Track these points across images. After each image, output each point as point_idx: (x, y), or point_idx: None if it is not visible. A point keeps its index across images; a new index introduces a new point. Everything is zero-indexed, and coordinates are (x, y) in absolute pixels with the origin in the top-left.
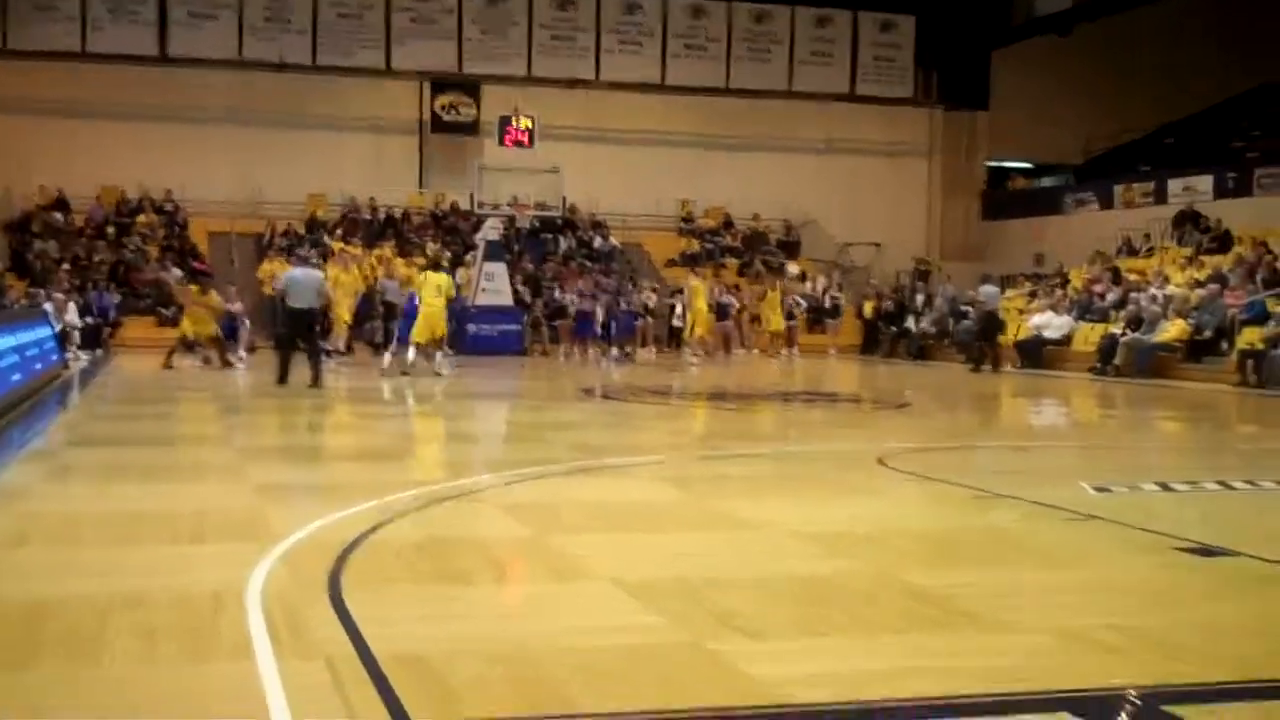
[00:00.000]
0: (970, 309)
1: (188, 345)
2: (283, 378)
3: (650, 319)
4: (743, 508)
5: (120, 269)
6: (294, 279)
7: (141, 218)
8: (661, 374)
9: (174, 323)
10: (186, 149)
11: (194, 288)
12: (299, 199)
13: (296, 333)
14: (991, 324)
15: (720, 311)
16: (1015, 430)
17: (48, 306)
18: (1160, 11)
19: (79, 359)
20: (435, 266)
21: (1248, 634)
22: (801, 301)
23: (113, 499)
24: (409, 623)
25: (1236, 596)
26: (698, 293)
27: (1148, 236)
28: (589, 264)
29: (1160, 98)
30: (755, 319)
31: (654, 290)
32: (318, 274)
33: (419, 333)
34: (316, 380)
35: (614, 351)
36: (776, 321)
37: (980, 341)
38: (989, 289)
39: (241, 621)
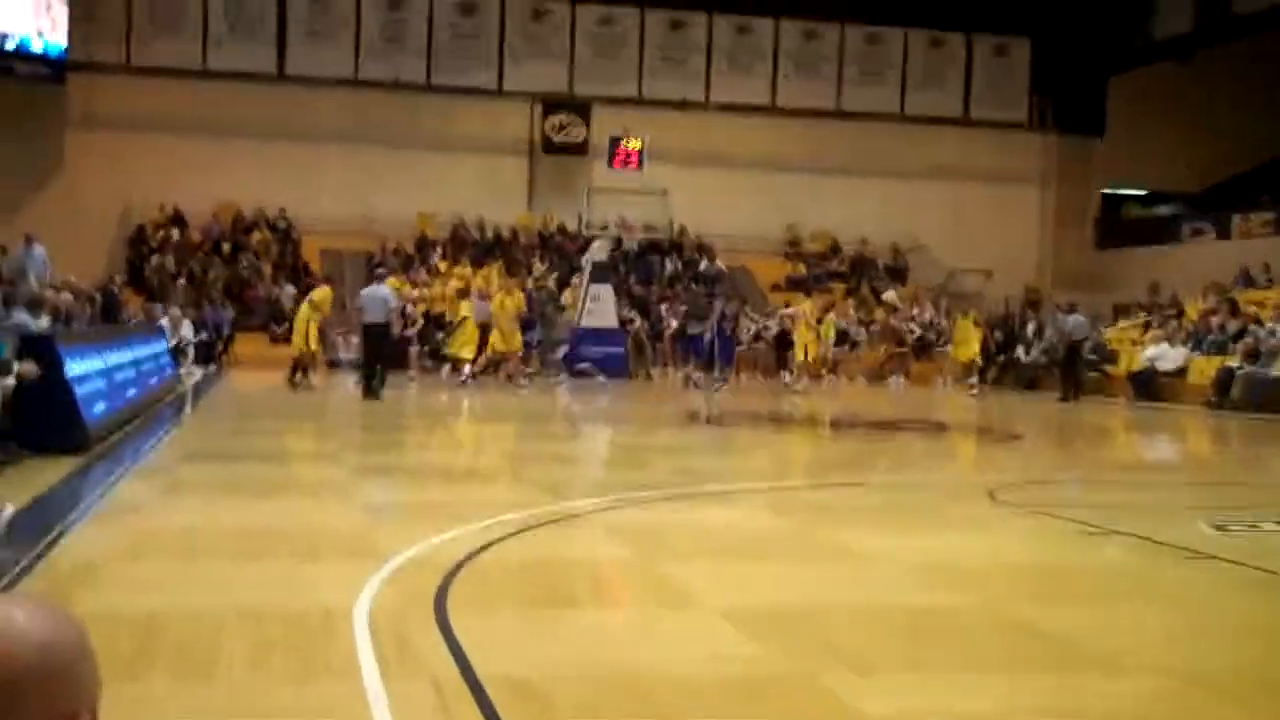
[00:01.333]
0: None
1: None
2: (366, 391)
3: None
4: (849, 538)
5: (235, 285)
6: (362, 295)
7: (256, 235)
8: (767, 400)
9: (286, 339)
10: (301, 167)
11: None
12: (409, 218)
13: (369, 347)
14: (1075, 355)
15: (838, 338)
16: (1129, 464)
17: (163, 321)
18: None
19: (193, 374)
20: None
21: None
22: (915, 329)
23: (225, 515)
24: (514, 645)
25: None
26: (805, 319)
27: (1267, 267)
28: (695, 286)
29: None
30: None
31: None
32: (384, 289)
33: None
34: (376, 392)
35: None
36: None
37: (1066, 371)
38: (1076, 319)
39: (350, 640)
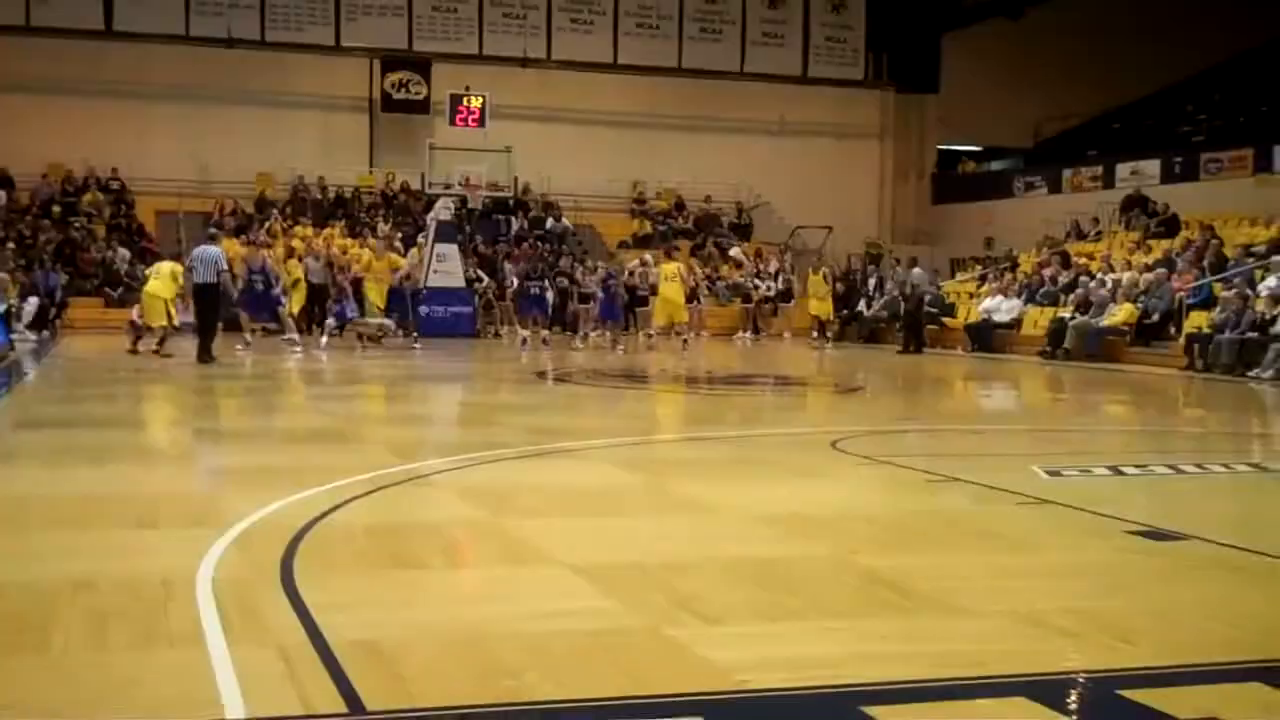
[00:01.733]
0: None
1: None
2: (202, 355)
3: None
4: (698, 491)
5: (67, 248)
6: (193, 255)
7: (88, 196)
8: (615, 357)
9: (121, 304)
10: (133, 126)
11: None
12: (248, 178)
13: (201, 308)
14: (918, 308)
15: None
16: (967, 414)
17: None
18: None
19: (26, 340)
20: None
21: (1201, 617)
22: (762, 285)
23: (62, 482)
24: (362, 609)
25: (1189, 580)
26: (666, 275)
27: (1096, 220)
28: (540, 244)
29: (1108, 82)
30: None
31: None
32: (215, 249)
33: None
34: (209, 354)
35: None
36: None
37: (909, 324)
38: (918, 272)
39: (193, 608)
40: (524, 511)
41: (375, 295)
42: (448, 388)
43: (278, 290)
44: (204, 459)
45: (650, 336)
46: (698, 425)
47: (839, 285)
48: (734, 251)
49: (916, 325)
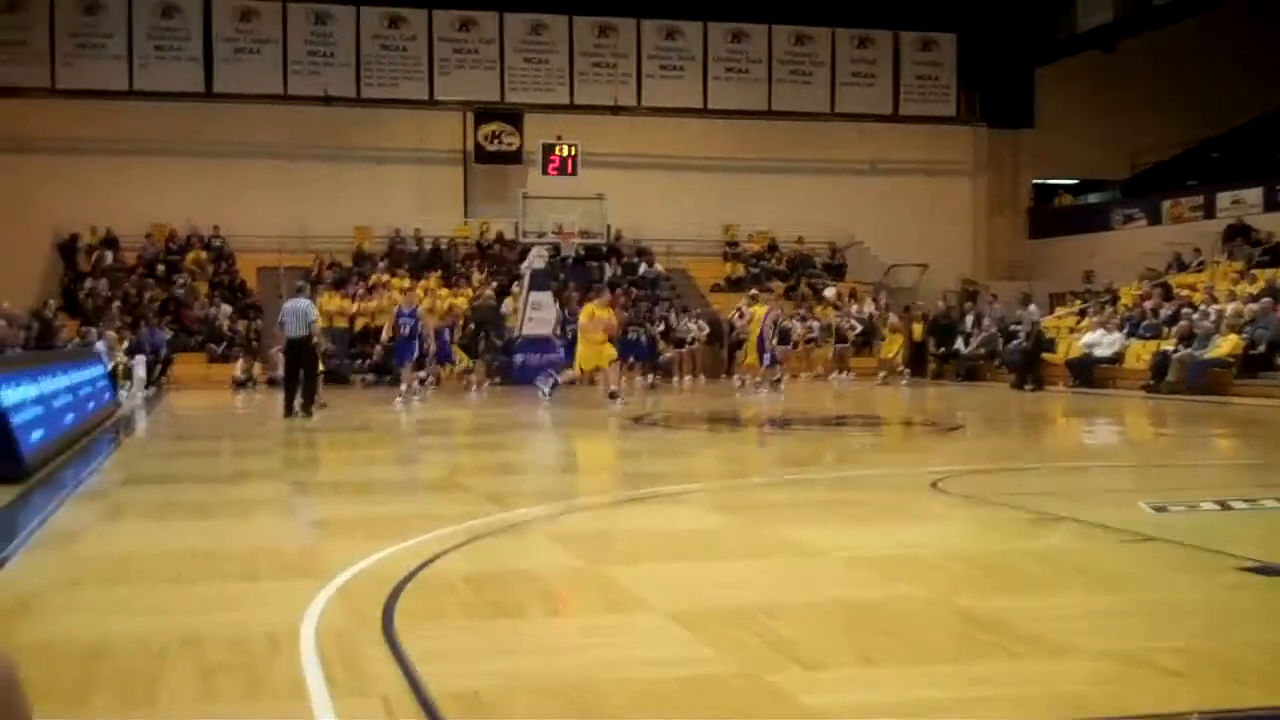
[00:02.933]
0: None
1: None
2: (288, 409)
3: (695, 346)
4: (796, 534)
5: (171, 306)
6: (284, 310)
7: (191, 254)
8: (711, 400)
9: (224, 359)
10: (233, 184)
11: None
12: (346, 232)
13: (290, 362)
14: (1036, 344)
15: (782, 337)
16: (1069, 450)
17: (100, 345)
18: (1202, 25)
19: (132, 397)
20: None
21: None
22: (857, 325)
23: (166, 537)
24: (464, 659)
25: None
26: (755, 319)
27: (1198, 251)
28: (635, 290)
29: (1205, 111)
30: (811, 341)
31: (698, 317)
32: (304, 303)
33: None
34: (306, 408)
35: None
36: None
37: (1029, 360)
38: (1035, 309)
39: (296, 660)
40: (621, 558)
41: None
42: (542, 435)
43: (429, 340)
44: (305, 511)
45: (741, 381)
46: (794, 467)
47: (915, 325)
48: (829, 292)
49: (1034, 362)
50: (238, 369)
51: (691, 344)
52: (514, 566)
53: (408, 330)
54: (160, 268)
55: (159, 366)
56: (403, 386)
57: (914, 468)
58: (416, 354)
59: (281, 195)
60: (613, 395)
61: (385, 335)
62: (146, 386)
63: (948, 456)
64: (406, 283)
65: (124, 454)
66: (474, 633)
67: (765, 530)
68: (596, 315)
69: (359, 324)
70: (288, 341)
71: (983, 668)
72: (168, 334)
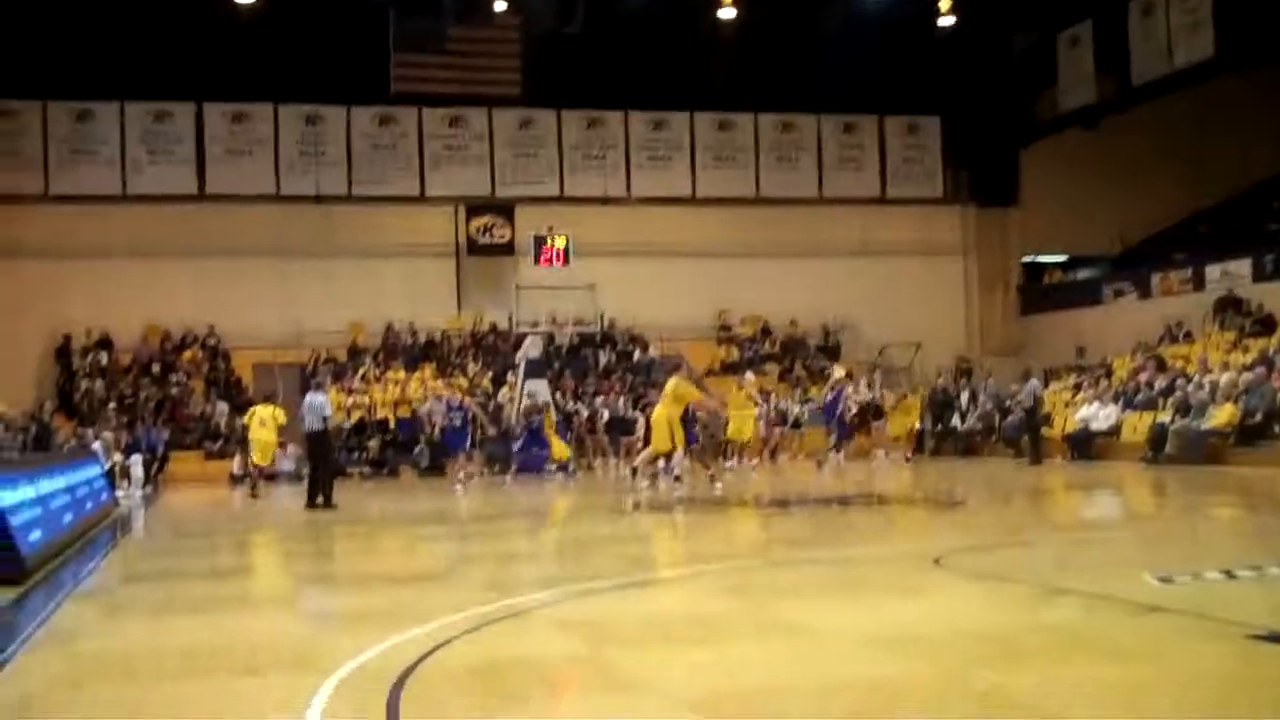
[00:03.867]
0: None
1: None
2: (311, 500)
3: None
4: (801, 615)
5: (167, 405)
6: (304, 405)
7: (187, 354)
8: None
9: (221, 456)
10: (227, 283)
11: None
12: (340, 327)
13: (310, 454)
14: (1034, 418)
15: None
16: (1072, 523)
17: (96, 445)
18: (1184, 100)
19: (130, 496)
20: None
21: None
22: (853, 406)
23: (167, 634)
24: None
25: None
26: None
27: (1180, 324)
28: (630, 376)
29: (1192, 185)
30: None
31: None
32: (320, 397)
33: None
34: (325, 500)
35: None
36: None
37: (1033, 436)
38: (1036, 383)
39: None
40: (624, 642)
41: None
42: (543, 522)
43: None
44: (305, 604)
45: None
46: (796, 547)
47: (909, 399)
48: (837, 371)
49: (1037, 435)
50: (235, 465)
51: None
52: (516, 654)
53: (459, 421)
54: (156, 367)
55: (155, 465)
56: (460, 474)
57: (917, 544)
58: (469, 443)
59: (275, 293)
60: (677, 478)
61: (437, 428)
62: (144, 485)
63: (951, 533)
64: (401, 374)
65: (122, 552)
66: None
67: (770, 612)
68: (680, 393)
69: (355, 416)
70: (305, 435)
71: None
72: (164, 433)
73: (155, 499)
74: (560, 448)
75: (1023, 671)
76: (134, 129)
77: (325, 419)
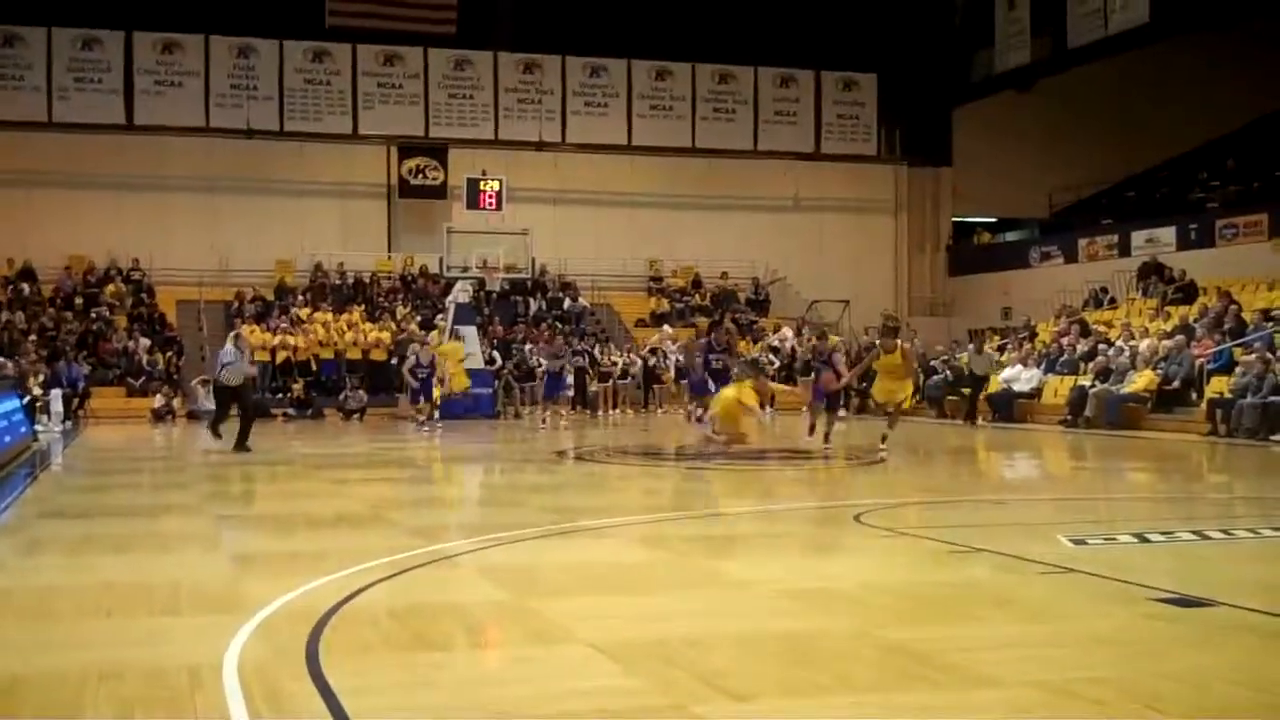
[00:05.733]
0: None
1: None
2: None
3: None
4: (721, 567)
5: (89, 339)
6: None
7: (110, 287)
8: (636, 435)
9: (143, 393)
10: (154, 217)
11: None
12: (267, 266)
13: (224, 404)
14: (982, 386)
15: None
16: (989, 484)
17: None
18: (1117, 66)
19: (49, 430)
20: None
21: (1229, 684)
22: (774, 359)
23: (85, 572)
24: (388, 692)
25: (1217, 646)
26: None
27: (1105, 290)
28: (559, 325)
29: (1122, 151)
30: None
31: (628, 351)
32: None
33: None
34: (238, 441)
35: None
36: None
37: (973, 397)
38: (988, 354)
39: (219, 695)
40: (547, 591)
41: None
42: (470, 469)
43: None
44: (227, 545)
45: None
46: (719, 501)
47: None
48: (785, 330)
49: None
50: (157, 401)
51: (623, 378)
52: (439, 600)
53: (426, 375)
54: (78, 301)
55: (76, 400)
56: (421, 418)
57: (838, 501)
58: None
59: (202, 228)
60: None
61: (408, 380)
62: (63, 420)
63: (871, 490)
64: (329, 316)
65: (40, 488)
66: (399, 666)
67: (692, 563)
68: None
69: (280, 357)
70: (215, 387)
71: (906, 698)
72: (85, 368)
73: (75, 435)
74: (460, 380)
75: (935, 627)
76: (61, 55)
77: (224, 366)
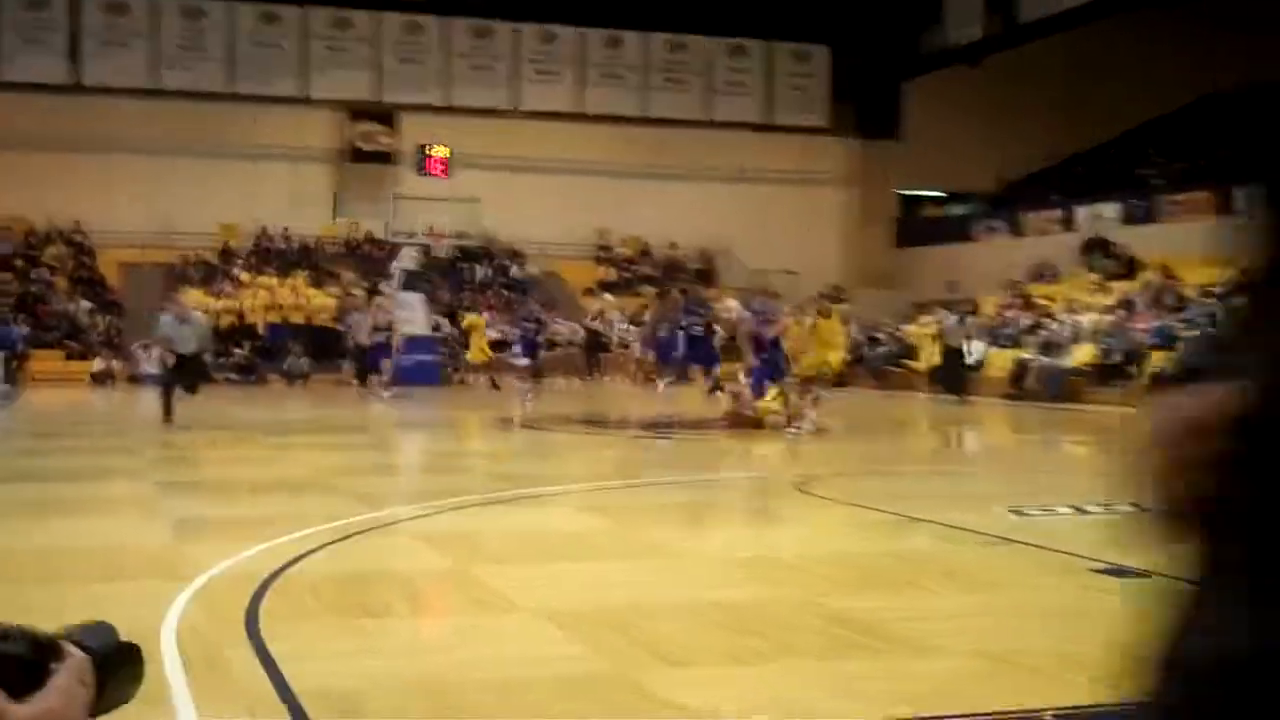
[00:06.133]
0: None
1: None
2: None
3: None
4: (665, 536)
5: (29, 301)
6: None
7: (51, 249)
8: (583, 403)
9: (83, 356)
10: (96, 179)
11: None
12: (212, 229)
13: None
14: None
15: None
16: (931, 455)
17: None
18: (1066, 44)
19: None
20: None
21: None
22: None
23: (23, 536)
24: (328, 658)
25: (1154, 617)
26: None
27: (1048, 264)
28: (506, 293)
29: (1070, 127)
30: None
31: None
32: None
33: None
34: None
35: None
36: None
37: (952, 372)
38: (952, 322)
39: (158, 661)
40: (490, 558)
41: None
42: (415, 435)
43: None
44: (168, 510)
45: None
46: (664, 469)
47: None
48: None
49: (957, 374)
50: (97, 365)
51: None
52: (382, 567)
53: (384, 340)
54: (18, 262)
55: (15, 362)
56: (385, 393)
57: (781, 470)
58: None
59: (146, 190)
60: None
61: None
62: (2, 383)
63: (814, 460)
64: (274, 280)
65: None
66: (340, 632)
67: (635, 532)
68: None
69: (224, 321)
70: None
71: (848, 666)
72: (24, 329)
73: (14, 397)
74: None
75: (877, 597)
76: (5, 14)
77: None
